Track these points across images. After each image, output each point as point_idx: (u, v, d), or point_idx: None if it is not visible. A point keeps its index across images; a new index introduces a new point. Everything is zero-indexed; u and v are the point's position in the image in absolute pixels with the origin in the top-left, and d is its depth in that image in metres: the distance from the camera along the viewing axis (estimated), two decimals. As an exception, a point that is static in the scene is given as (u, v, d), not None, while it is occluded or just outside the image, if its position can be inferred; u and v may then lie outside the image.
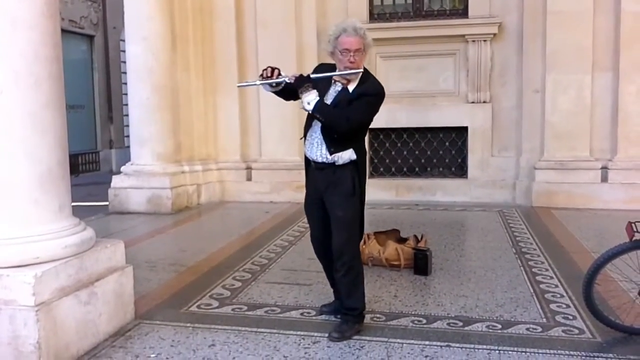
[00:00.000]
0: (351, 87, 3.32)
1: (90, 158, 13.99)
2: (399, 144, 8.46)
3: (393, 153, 8.50)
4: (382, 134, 8.45)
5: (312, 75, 3.32)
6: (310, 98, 3.22)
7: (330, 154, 3.30)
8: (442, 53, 8.11)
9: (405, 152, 8.46)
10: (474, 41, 7.89)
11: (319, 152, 3.35)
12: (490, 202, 7.86)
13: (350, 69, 3.26)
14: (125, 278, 3.53)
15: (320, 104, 3.24)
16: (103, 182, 8.71)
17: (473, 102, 8.02)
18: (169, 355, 3.13)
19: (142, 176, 7.70)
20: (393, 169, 8.51)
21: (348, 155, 3.32)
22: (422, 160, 8.43)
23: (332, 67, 3.38)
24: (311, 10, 8.12)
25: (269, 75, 3.28)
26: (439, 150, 8.38)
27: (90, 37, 14.20)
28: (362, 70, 3.30)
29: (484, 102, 7.99)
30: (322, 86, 3.33)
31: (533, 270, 4.63)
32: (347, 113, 3.22)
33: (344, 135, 3.28)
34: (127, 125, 9.09)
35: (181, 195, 7.84)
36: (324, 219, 3.46)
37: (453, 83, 8.14)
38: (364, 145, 3.47)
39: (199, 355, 3.11)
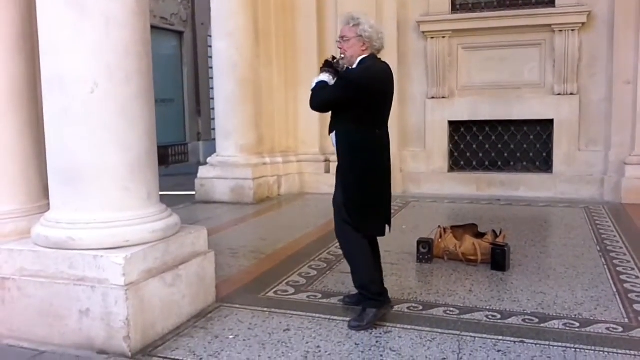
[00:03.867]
0: None
1: (179, 150, 14.59)
2: (480, 137, 8.30)
3: (474, 146, 8.34)
4: (463, 127, 8.32)
5: (334, 62, 3.53)
6: (318, 79, 3.42)
7: (329, 133, 3.50)
8: (527, 43, 7.86)
9: (487, 146, 8.29)
10: (560, 31, 7.60)
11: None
12: (576, 198, 7.58)
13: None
14: (207, 262, 3.71)
15: (319, 84, 3.39)
16: (191, 173, 9.07)
17: (559, 94, 7.74)
18: (246, 337, 3.27)
19: (226, 167, 7.98)
20: (474, 163, 8.36)
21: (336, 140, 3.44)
22: (505, 154, 8.23)
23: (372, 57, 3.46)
24: (391, 1, 8.09)
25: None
26: (523, 144, 8.15)
27: (180, 33, 14.79)
28: (343, 56, 3.42)
29: (571, 94, 7.68)
30: None
31: (617, 269, 4.45)
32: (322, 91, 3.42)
33: (321, 110, 3.59)
34: (214, 118, 9.41)
35: (262, 186, 8.06)
36: None
37: (538, 74, 7.88)
38: (356, 132, 3.35)
39: (275, 339, 3.23)
